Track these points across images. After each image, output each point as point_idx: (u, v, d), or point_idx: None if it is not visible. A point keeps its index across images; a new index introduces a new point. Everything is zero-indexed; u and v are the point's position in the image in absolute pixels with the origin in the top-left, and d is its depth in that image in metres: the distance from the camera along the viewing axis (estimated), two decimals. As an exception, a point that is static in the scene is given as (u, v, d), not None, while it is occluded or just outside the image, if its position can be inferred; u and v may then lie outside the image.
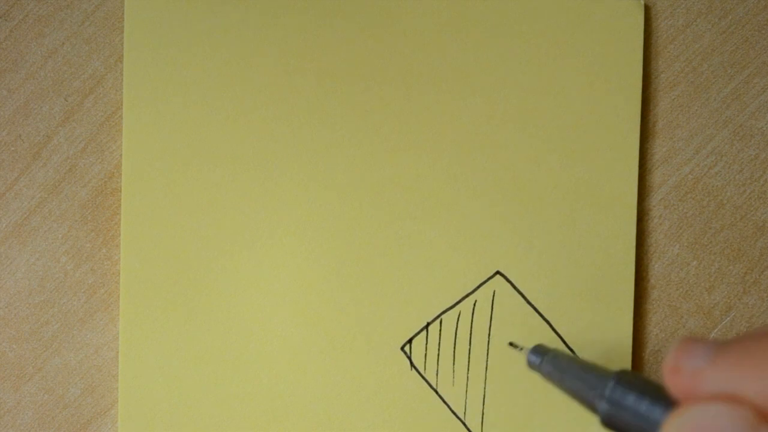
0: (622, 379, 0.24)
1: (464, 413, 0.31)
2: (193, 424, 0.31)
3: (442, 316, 0.31)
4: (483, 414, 0.31)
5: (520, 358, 0.31)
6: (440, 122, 0.31)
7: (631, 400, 0.23)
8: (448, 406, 0.31)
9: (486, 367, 0.31)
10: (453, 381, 0.31)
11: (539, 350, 0.29)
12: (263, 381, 0.31)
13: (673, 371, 0.21)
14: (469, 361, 0.31)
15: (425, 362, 0.31)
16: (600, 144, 0.32)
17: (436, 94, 0.31)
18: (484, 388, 0.31)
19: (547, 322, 0.31)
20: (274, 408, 0.31)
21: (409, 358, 0.31)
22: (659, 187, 0.32)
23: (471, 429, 0.31)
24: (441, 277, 0.31)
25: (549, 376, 0.28)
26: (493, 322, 0.31)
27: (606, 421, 0.24)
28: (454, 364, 0.31)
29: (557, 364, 0.27)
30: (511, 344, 0.31)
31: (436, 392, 0.31)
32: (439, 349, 0.31)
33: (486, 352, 0.31)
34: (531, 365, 0.29)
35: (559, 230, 0.31)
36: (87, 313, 0.31)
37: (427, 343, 0.31)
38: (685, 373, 0.20)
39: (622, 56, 0.32)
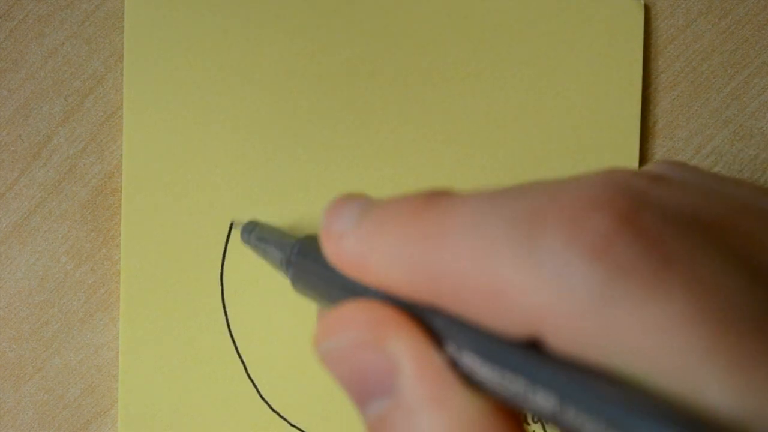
0: (305, 244, 0.23)
1: None
2: (193, 424, 0.31)
3: None
4: None
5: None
6: (439, 123, 0.31)
7: (310, 265, 0.22)
8: None
9: None
10: None
11: (250, 226, 0.29)
12: (264, 380, 0.31)
13: (325, 235, 0.19)
14: None
15: None
16: (600, 144, 0.32)
17: (435, 95, 0.31)
18: None
19: None
20: (275, 408, 0.31)
21: None
22: (659, 187, 0.32)
23: None
24: None
25: (255, 250, 0.28)
26: None
27: (294, 285, 0.23)
28: None
29: (261, 237, 0.28)
30: (231, 224, 0.31)
31: None
32: None
33: None
34: (243, 241, 0.29)
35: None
36: (87, 313, 0.31)
37: None
38: (332, 237, 0.19)
39: (622, 56, 0.32)
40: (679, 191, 0.18)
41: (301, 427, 0.31)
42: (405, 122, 0.31)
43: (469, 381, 0.17)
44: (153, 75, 0.30)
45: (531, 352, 0.17)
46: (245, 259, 0.31)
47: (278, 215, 0.31)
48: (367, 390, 0.18)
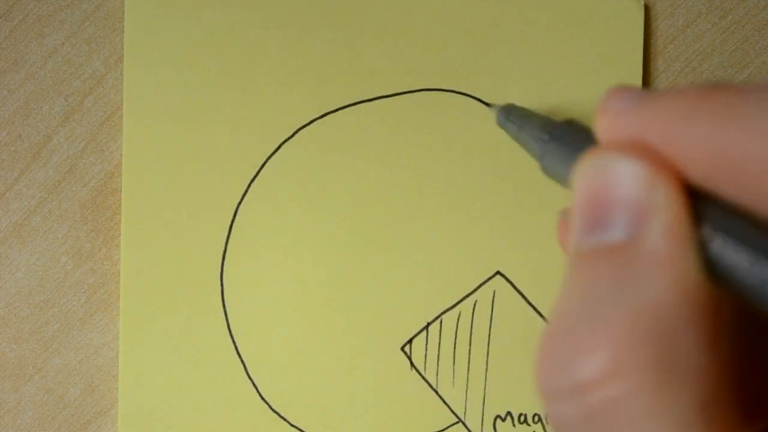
0: (569, 126, 0.23)
1: (464, 413, 0.31)
2: (193, 424, 0.31)
3: (443, 317, 0.31)
4: (483, 414, 0.31)
5: (520, 359, 0.31)
6: (439, 122, 0.31)
7: (565, 142, 0.22)
8: (448, 406, 0.31)
9: (486, 368, 0.31)
10: (453, 381, 0.31)
11: (507, 109, 0.29)
12: (264, 381, 0.31)
13: (602, 111, 0.19)
14: (469, 362, 0.31)
15: (425, 362, 0.31)
16: (600, 144, 0.32)
17: (435, 94, 0.31)
18: (485, 389, 0.31)
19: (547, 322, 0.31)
20: (275, 408, 0.31)
21: (409, 358, 0.31)
22: (659, 187, 0.32)
23: (471, 429, 0.31)
24: (441, 277, 0.31)
25: (510, 132, 0.28)
26: (493, 322, 0.31)
27: (542, 166, 0.23)
28: (454, 364, 0.31)
29: (517, 120, 0.27)
30: (488, 105, 0.30)
31: (437, 392, 0.31)
32: (439, 350, 0.31)
33: (486, 352, 0.31)
34: (499, 123, 0.29)
35: (559, 230, 0.31)
36: (87, 313, 0.31)
37: (427, 344, 0.31)
38: (610, 113, 0.18)
39: (622, 56, 0.32)
40: None
41: (301, 428, 0.31)
42: (404, 129, 0.31)
43: (712, 269, 0.17)
44: (153, 75, 0.30)
45: None
46: (245, 259, 0.31)
47: (278, 215, 0.31)
48: (604, 218, 0.17)
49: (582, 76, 0.31)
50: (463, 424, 0.31)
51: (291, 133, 0.31)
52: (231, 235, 0.31)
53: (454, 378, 0.31)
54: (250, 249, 0.31)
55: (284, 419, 0.31)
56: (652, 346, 0.16)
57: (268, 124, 0.31)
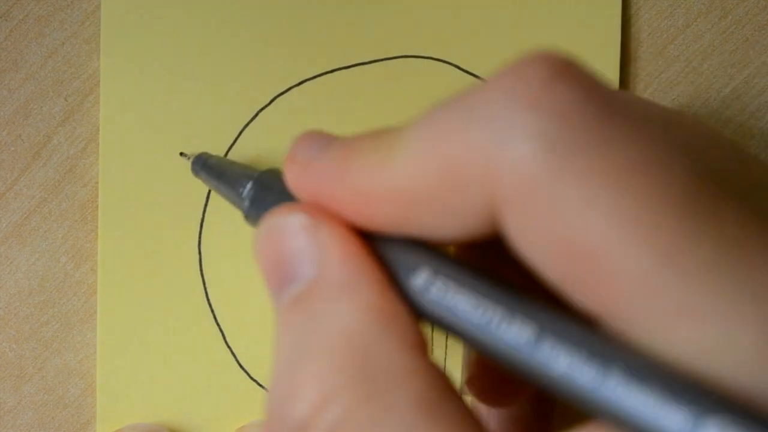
0: (263, 178, 0.23)
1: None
2: (172, 393, 0.31)
3: None
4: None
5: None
6: (418, 90, 0.31)
7: (269, 199, 0.22)
8: None
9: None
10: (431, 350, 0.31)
11: (202, 158, 0.29)
12: (242, 349, 0.31)
13: (289, 161, 0.20)
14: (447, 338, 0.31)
15: None
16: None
17: (414, 61, 0.31)
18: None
19: None
20: (253, 376, 0.31)
21: None
22: (659, 187, 0.32)
23: None
24: None
25: (208, 183, 0.28)
26: None
27: (248, 219, 0.23)
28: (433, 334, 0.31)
29: (214, 169, 0.28)
30: (181, 154, 0.30)
31: None
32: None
33: None
34: (194, 173, 0.29)
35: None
36: (87, 313, 0.31)
37: None
38: (297, 164, 0.19)
39: (601, 23, 0.31)
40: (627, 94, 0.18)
41: None
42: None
43: (418, 306, 0.17)
44: (128, 45, 0.30)
45: (507, 284, 0.17)
46: (223, 228, 0.31)
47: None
48: (288, 272, 0.18)
49: (561, 42, 0.31)
50: None
51: (268, 101, 0.31)
52: (208, 204, 0.31)
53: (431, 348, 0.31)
54: (228, 217, 0.31)
55: (263, 387, 0.31)
56: (351, 364, 0.16)
57: (245, 92, 0.31)
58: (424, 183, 0.17)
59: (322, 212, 0.18)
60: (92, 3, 0.31)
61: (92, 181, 0.31)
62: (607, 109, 0.15)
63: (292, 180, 0.19)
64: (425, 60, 0.31)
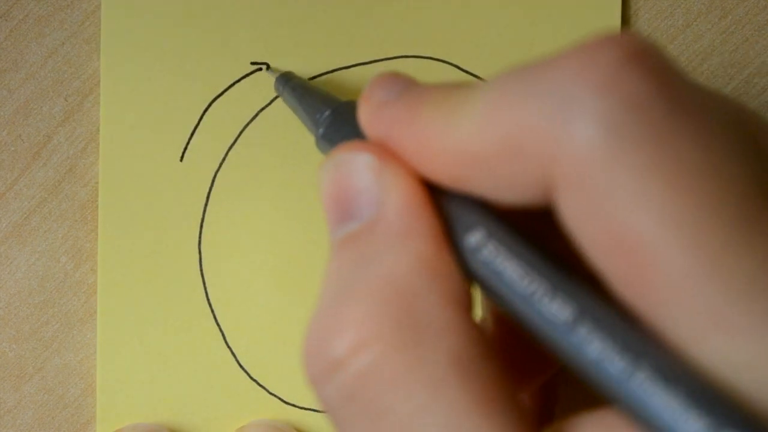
0: (342, 109, 0.23)
1: None
2: (171, 393, 0.31)
3: None
4: None
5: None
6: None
7: (343, 131, 0.22)
8: None
9: None
10: None
11: (286, 77, 0.29)
12: (242, 349, 0.31)
13: (364, 100, 0.20)
14: None
15: None
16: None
17: (413, 61, 0.31)
18: None
19: None
20: (253, 376, 0.31)
21: None
22: (659, 187, 0.32)
23: None
24: None
25: (288, 102, 0.28)
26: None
27: (319, 146, 0.24)
28: None
29: (296, 90, 0.27)
30: (263, 67, 0.30)
31: None
32: None
33: None
34: (276, 90, 0.29)
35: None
36: (87, 313, 0.31)
37: None
38: (372, 103, 0.19)
39: (601, 15, 0.31)
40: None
41: (280, 396, 0.31)
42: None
43: (474, 269, 0.17)
44: (128, 36, 0.30)
45: (557, 259, 0.16)
46: (223, 227, 0.31)
47: (257, 182, 0.31)
48: (348, 209, 0.18)
49: (561, 41, 0.31)
50: None
51: (268, 101, 0.31)
52: (208, 204, 0.31)
53: None
54: (228, 216, 0.31)
55: (263, 387, 0.31)
56: (393, 312, 0.16)
57: (246, 92, 0.31)
58: (484, 149, 0.16)
59: (390, 156, 0.18)
60: (92, 3, 0.31)
61: (92, 181, 0.31)
62: (677, 102, 0.15)
63: (365, 119, 0.19)
64: (425, 60, 0.31)
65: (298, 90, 0.28)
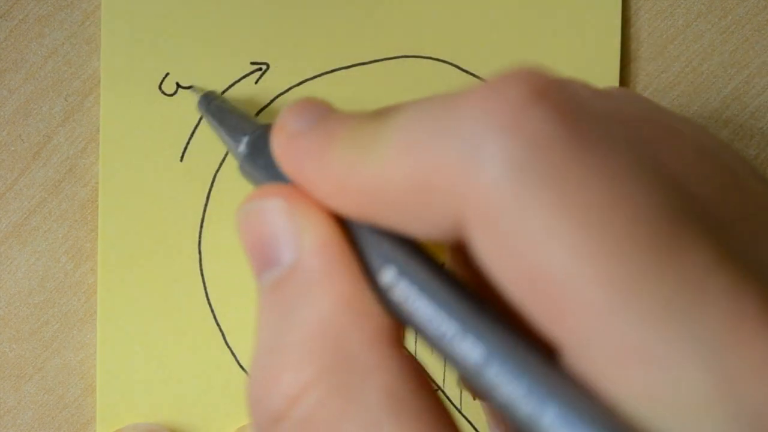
0: (260, 135, 0.23)
1: (443, 382, 0.31)
2: (172, 393, 0.31)
3: None
4: (461, 394, 0.31)
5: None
6: (417, 90, 0.31)
7: (261, 160, 0.22)
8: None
9: None
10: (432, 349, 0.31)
11: (209, 97, 0.28)
12: (242, 349, 0.31)
13: (278, 130, 0.19)
14: None
15: None
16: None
17: (413, 61, 0.31)
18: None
19: None
20: None
21: None
22: (659, 187, 0.32)
23: (451, 398, 0.31)
24: None
25: (210, 122, 0.28)
26: None
27: (241, 170, 0.23)
28: None
29: (216, 113, 0.27)
30: (189, 88, 0.30)
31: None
32: None
33: None
34: (199, 109, 0.29)
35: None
36: (87, 313, 0.31)
37: None
38: (285, 134, 0.19)
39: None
40: (612, 102, 0.18)
41: None
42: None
43: (390, 303, 0.17)
44: (129, 44, 0.30)
45: (470, 297, 0.17)
46: (223, 227, 0.31)
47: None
48: (268, 256, 0.18)
49: (561, 41, 0.31)
50: (442, 392, 0.31)
51: (270, 100, 0.31)
52: (208, 204, 0.31)
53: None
54: (228, 216, 0.31)
55: None
56: (326, 356, 0.17)
57: (246, 91, 0.31)
58: (395, 187, 0.17)
59: (302, 196, 0.18)
60: (92, 3, 0.31)
61: (92, 181, 0.31)
62: (582, 137, 0.15)
63: (277, 151, 0.19)
64: (425, 60, 0.31)
65: (218, 113, 0.27)
